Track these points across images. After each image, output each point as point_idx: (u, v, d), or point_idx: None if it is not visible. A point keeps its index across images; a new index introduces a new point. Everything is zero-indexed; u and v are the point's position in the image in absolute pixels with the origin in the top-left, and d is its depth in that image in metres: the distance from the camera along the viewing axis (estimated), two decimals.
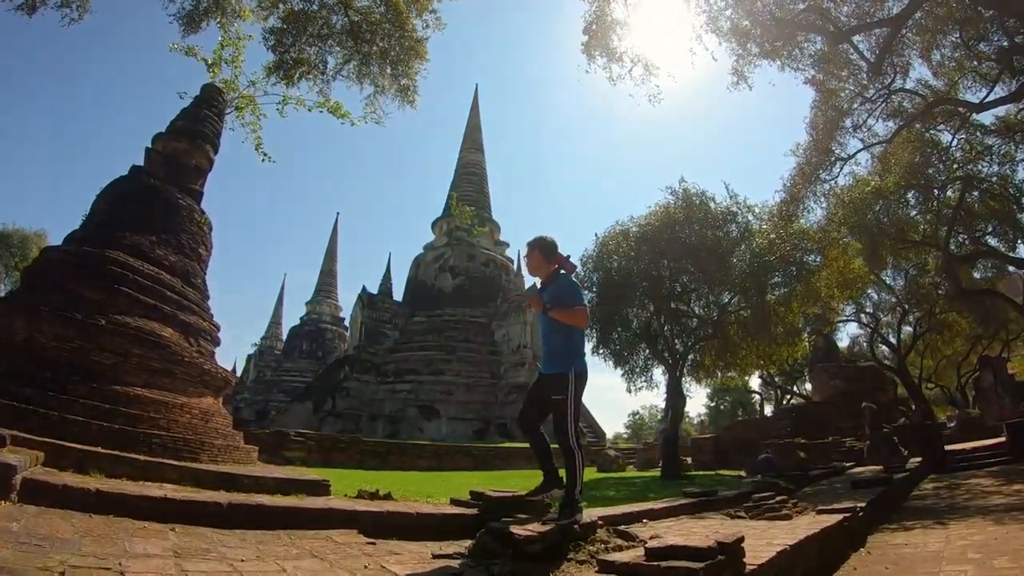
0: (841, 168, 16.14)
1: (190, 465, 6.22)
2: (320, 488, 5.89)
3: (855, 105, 15.74)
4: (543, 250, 3.90)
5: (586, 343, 4.01)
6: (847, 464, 12.80)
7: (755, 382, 40.71)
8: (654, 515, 4.47)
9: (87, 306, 7.64)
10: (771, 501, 5.07)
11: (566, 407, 3.56)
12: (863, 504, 5.59)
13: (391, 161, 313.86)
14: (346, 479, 10.17)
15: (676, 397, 15.64)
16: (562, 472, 3.64)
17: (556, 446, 3.72)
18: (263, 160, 12.95)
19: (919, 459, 13.07)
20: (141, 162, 10.47)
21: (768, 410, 40.43)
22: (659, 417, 67.73)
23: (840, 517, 4.69)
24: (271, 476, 6.03)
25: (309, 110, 11.95)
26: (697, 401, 79.44)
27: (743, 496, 6.24)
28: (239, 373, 58.40)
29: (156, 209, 9.15)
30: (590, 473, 16.49)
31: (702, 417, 64.61)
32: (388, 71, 11.06)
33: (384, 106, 11.53)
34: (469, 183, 42.07)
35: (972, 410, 21.51)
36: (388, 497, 3.49)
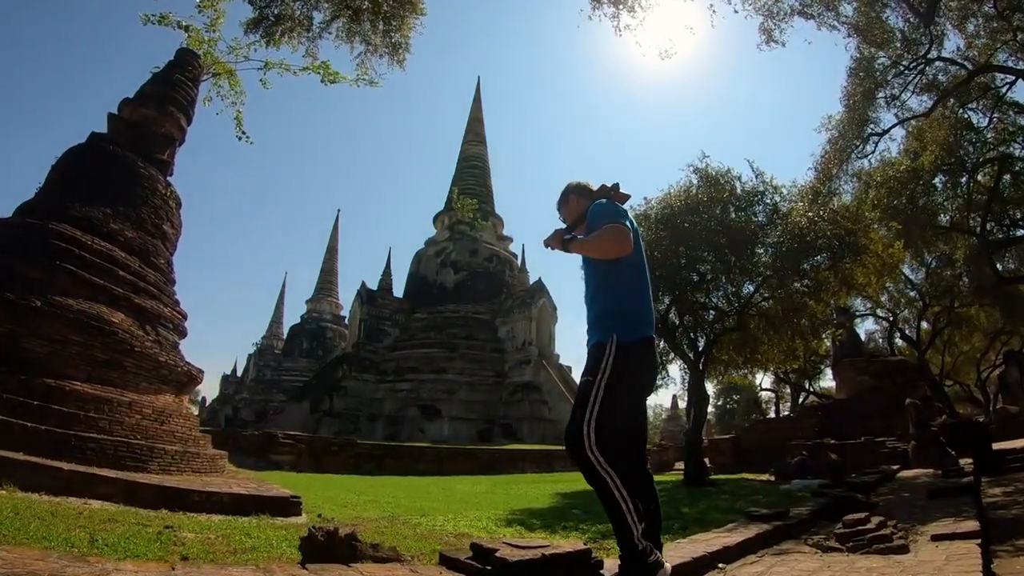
0: (876, 144, 14.96)
1: (130, 477, 5.04)
2: (288, 506, 4.73)
3: (889, 76, 14.64)
4: (578, 192, 2.96)
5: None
6: (893, 467, 11.57)
7: (766, 380, 39.33)
8: (729, 555, 3.26)
9: (23, 285, 6.48)
10: (869, 525, 3.89)
11: (589, 392, 2.33)
12: (978, 526, 4.39)
13: (392, 155, 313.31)
14: (333, 487, 8.99)
15: (699, 396, 14.37)
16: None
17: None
18: (239, 139, 11.72)
19: (970, 460, 11.84)
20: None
21: (783, 409, 39.14)
22: (664, 416, 66.22)
23: (976, 547, 3.50)
24: (228, 491, 4.87)
25: (295, 74, 10.75)
26: None
27: (819, 513, 5.03)
28: (240, 372, 57.19)
29: (113, 178, 7.96)
30: None
31: (708, 417, 63.05)
32: (380, 27, 9.86)
33: (374, 68, 10.38)
34: (471, 176, 40.87)
35: (1011, 407, 20.29)
36: (350, 541, 2.26)
